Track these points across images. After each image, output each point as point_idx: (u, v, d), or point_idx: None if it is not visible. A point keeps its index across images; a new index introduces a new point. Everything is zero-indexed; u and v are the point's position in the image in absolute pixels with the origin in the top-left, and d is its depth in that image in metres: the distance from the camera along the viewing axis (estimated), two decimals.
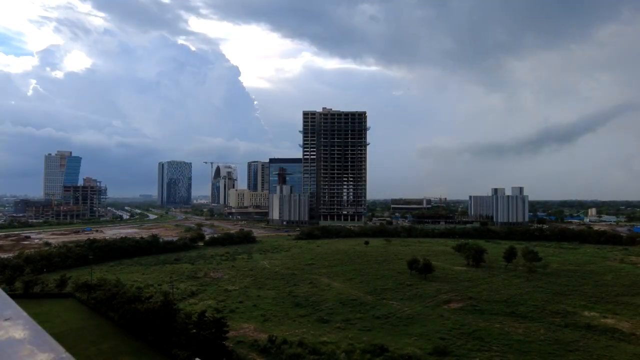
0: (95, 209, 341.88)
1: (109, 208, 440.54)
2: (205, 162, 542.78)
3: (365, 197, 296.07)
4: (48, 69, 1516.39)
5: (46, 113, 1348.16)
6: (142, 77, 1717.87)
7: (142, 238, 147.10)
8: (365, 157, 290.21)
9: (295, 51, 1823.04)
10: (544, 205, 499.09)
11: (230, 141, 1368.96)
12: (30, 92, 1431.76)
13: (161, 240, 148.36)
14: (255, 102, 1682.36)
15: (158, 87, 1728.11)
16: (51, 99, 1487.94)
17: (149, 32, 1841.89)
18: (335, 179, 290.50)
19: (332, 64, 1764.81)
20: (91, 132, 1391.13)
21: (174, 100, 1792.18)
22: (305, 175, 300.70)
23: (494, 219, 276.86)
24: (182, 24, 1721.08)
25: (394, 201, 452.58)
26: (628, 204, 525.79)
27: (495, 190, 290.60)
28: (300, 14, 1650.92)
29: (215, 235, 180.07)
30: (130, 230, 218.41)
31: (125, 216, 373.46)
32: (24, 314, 3.26)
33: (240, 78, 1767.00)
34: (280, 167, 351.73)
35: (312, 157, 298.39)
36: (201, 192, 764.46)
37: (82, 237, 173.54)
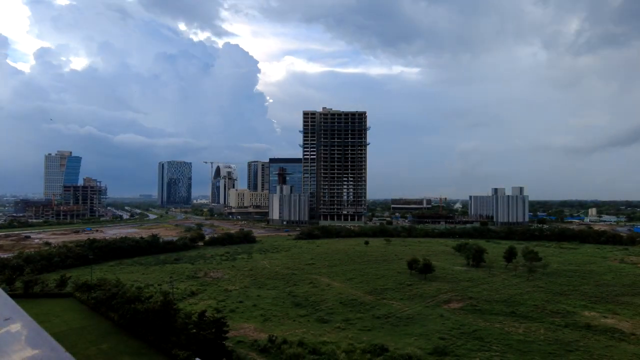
0: (95, 208, 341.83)
1: (109, 208, 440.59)
2: (205, 162, 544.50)
3: (365, 197, 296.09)
4: (52, 70, 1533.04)
5: (80, 112, 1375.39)
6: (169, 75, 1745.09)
7: (142, 238, 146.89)
8: (365, 157, 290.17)
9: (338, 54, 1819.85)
10: (544, 205, 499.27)
11: (278, 146, 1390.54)
12: (48, 93, 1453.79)
13: (161, 240, 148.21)
14: (267, 103, 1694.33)
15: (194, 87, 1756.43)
16: (72, 99, 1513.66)
17: (198, 33, 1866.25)
18: (335, 179, 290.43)
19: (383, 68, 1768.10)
20: (131, 133, 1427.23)
21: (205, 100, 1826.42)
22: (305, 175, 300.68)
23: (494, 219, 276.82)
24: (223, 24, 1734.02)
25: (394, 201, 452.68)
26: (628, 204, 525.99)
27: (496, 190, 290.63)
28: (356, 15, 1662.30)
29: (215, 235, 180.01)
30: (130, 230, 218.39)
31: (125, 216, 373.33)
32: (24, 314, 3.26)
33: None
34: (280, 167, 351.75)
35: (312, 157, 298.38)
36: (201, 192, 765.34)
37: (82, 237, 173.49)
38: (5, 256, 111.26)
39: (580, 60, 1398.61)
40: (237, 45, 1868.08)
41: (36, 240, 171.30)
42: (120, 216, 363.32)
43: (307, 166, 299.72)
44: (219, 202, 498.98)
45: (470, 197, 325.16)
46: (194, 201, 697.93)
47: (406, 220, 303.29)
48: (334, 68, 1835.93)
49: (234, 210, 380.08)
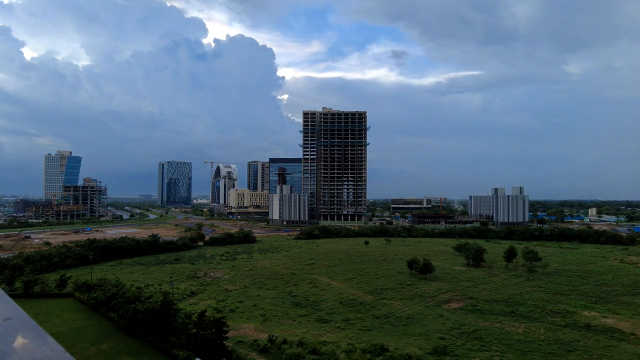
0: (95, 209, 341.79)
1: (109, 208, 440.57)
2: (206, 162, 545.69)
3: (365, 197, 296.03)
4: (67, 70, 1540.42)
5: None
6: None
7: (142, 238, 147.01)
8: (365, 157, 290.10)
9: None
10: (544, 205, 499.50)
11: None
12: (83, 94, 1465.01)
13: (161, 240, 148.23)
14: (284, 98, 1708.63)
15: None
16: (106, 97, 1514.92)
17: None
18: (335, 179, 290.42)
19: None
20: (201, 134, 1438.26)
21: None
22: (305, 175, 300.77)
23: (494, 219, 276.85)
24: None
25: (394, 201, 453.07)
26: (628, 204, 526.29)
27: (496, 190, 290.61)
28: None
29: (215, 235, 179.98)
30: (130, 230, 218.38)
31: (126, 216, 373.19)
32: (24, 314, 3.26)
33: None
34: (280, 167, 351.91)
35: (312, 157, 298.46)
36: (201, 192, 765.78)
37: (82, 237, 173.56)
38: (5, 256, 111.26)
39: None
40: (270, 50, 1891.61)
41: (36, 240, 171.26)
42: (120, 216, 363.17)
43: (307, 166, 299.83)
44: (219, 202, 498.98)
45: (470, 197, 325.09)
46: (194, 201, 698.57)
47: (406, 220, 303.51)
48: (310, 73, 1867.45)
49: (234, 210, 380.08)
